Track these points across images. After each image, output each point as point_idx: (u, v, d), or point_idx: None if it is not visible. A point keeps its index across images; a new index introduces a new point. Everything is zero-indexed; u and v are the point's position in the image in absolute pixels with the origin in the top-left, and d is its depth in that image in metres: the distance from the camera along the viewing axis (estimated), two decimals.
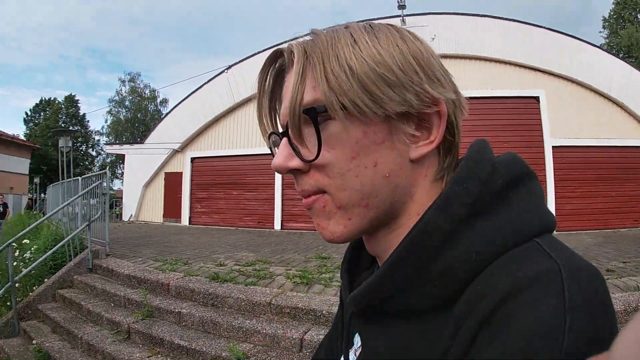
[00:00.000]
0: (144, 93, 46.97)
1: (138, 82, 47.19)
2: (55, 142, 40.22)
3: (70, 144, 11.10)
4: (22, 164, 34.01)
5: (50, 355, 4.70)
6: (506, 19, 13.05)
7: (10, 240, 6.18)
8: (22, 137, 40.12)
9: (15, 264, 6.28)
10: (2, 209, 19.00)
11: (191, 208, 16.76)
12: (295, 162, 0.51)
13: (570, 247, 0.43)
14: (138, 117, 45.97)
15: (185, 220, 16.70)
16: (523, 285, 0.38)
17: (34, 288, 6.49)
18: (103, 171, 7.26)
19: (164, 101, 46.81)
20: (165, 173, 17.55)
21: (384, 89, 0.47)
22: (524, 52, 12.75)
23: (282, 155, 0.51)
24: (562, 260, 0.40)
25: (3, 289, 5.91)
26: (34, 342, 5.05)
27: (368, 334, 0.56)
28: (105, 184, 7.11)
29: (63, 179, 10.85)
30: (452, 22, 13.13)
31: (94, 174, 7.79)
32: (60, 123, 46.65)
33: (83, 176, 8.27)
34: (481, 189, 0.47)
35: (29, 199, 34.35)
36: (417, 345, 0.47)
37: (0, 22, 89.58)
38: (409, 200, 0.51)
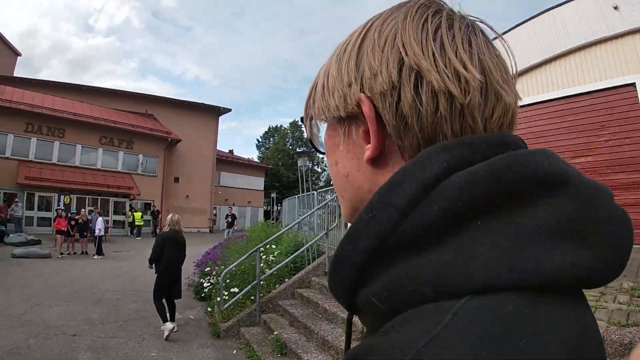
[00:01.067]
0: None
1: None
2: (285, 162, 46.07)
3: (307, 164, 12.49)
4: (257, 182, 40.56)
5: (287, 346, 5.23)
6: None
7: (258, 245, 7.29)
8: (256, 160, 47.61)
9: (261, 265, 7.30)
10: (231, 220, 22.25)
11: None
12: None
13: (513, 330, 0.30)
14: None
15: None
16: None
17: (276, 286, 7.43)
18: None
19: None
20: None
21: (326, 97, 0.50)
22: None
23: None
24: (424, 346, 0.30)
25: (250, 286, 6.95)
26: (274, 332, 5.70)
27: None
28: None
29: (302, 192, 12.36)
30: None
31: (329, 188, 8.59)
32: (288, 146, 53.50)
33: (318, 190, 9.20)
34: (397, 221, 0.38)
35: (264, 210, 40.16)
36: None
37: (226, 69, 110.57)
38: None
